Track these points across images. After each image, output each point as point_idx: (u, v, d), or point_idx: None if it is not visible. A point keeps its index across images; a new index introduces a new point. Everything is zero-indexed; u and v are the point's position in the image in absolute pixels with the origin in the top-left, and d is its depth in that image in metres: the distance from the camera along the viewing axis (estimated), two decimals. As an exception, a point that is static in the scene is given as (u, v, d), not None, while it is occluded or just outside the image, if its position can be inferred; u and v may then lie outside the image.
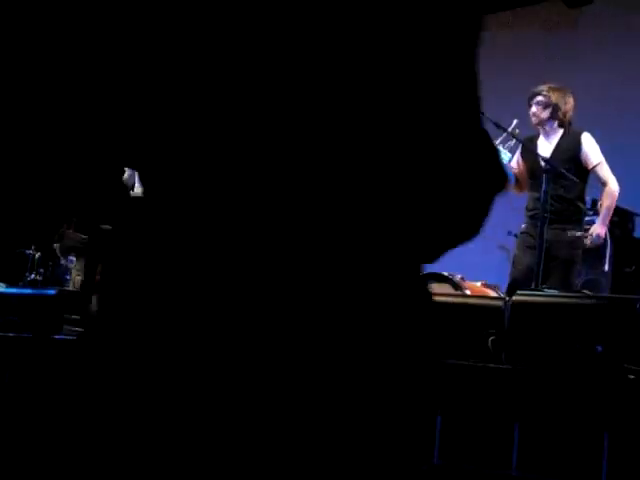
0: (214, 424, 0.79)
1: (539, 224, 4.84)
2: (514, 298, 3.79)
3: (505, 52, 7.58)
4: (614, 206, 5.20)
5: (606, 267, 5.56)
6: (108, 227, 6.01)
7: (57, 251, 7.08)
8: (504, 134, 5.22)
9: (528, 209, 5.25)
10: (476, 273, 5.59)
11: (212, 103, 0.83)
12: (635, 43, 6.93)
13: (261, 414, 0.79)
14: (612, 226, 5.65)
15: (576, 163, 5.07)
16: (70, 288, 6.58)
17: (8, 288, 5.82)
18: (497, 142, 5.28)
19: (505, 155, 5.27)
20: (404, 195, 0.85)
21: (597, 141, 5.16)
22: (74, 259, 6.99)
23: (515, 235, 5.37)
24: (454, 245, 0.91)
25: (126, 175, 5.77)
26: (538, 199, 4.96)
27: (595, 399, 3.23)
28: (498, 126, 5.10)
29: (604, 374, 3.30)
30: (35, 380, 4.15)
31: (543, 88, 5.18)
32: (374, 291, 0.85)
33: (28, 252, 7.11)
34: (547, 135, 5.23)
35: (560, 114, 5.16)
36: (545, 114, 5.17)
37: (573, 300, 3.78)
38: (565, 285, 4.87)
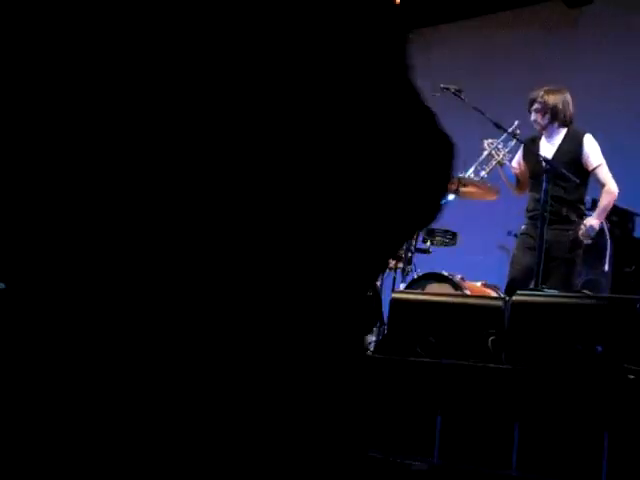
0: None
1: (539, 224, 4.84)
2: (514, 298, 3.79)
3: (505, 52, 7.59)
4: (611, 205, 5.20)
5: (606, 267, 5.55)
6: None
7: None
8: (505, 134, 5.23)
9: (528, 210, 5.25)
10: (476, 273, 5.59)
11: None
12: (635, 43, 6.93)
13: None
14: (612, 226, 5.65)
15: (577, 165, 5.07)
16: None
17: None
18: (498, 142, 5.29)
19: (504, 155, 5.28)
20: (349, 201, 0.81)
21: (597, 141, 5.16)
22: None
23: (515, 235, 5.37)
24: (421, 225, 0.88)
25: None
26: (538, 200, 4.95)
27: (595, 399, 3.23)
28: (499, 127, 5.10)
29: (604, 374, 3.30)
30: None
31: (538, 94, 5.17)
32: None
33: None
34: (549, 136, 5.23)
35: (560, 115, 5.15)
36: (545, 120, 5.17)
37: (573, 300, 3.78)
38: (565, 285, 4.87)
